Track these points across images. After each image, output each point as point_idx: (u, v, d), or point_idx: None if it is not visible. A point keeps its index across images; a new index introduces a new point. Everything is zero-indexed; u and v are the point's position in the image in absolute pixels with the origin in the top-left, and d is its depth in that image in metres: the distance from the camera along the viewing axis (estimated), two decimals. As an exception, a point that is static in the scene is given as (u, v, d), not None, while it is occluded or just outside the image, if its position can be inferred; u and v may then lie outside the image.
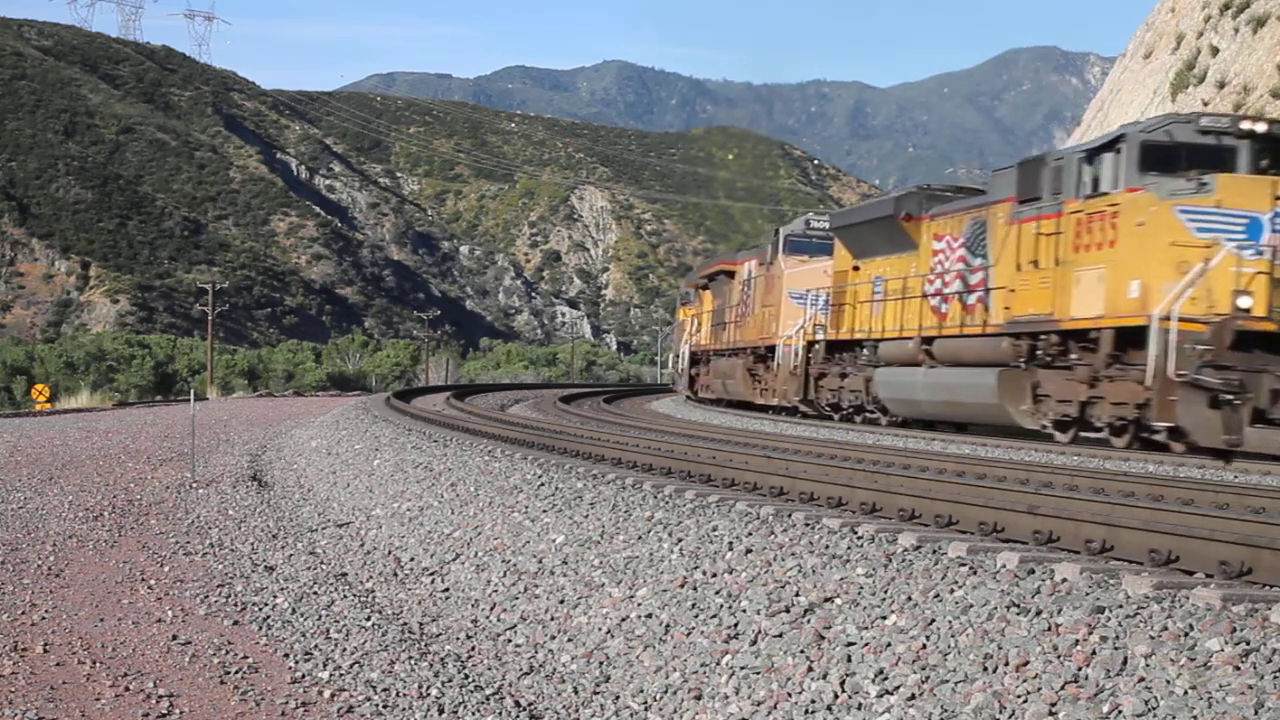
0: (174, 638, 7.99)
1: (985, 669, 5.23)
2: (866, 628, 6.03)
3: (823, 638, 6.13)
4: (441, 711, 6.49)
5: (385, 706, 6.55)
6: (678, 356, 43.57)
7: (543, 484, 11.59)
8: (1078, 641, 5.09)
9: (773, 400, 30.42)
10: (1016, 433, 20.90)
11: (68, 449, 22.21)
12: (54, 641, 7.77)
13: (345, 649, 7.79)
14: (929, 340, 22.29)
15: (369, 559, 11.40)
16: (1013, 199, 19.73)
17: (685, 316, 45.66)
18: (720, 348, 36.09)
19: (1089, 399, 17.85)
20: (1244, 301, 15.79)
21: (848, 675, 5.71)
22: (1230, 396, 15.30)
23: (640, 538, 8.75)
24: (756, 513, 8.66)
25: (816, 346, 27.65)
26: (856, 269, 25.70)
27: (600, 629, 7.64)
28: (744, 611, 6.81)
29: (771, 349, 30.39)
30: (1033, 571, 6.17)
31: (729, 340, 35.13)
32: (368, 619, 8.71)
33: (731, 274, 35.69)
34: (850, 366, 25.88)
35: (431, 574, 10.22)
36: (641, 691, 6.68)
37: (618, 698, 6.74)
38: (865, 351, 25.00)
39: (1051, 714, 4.76)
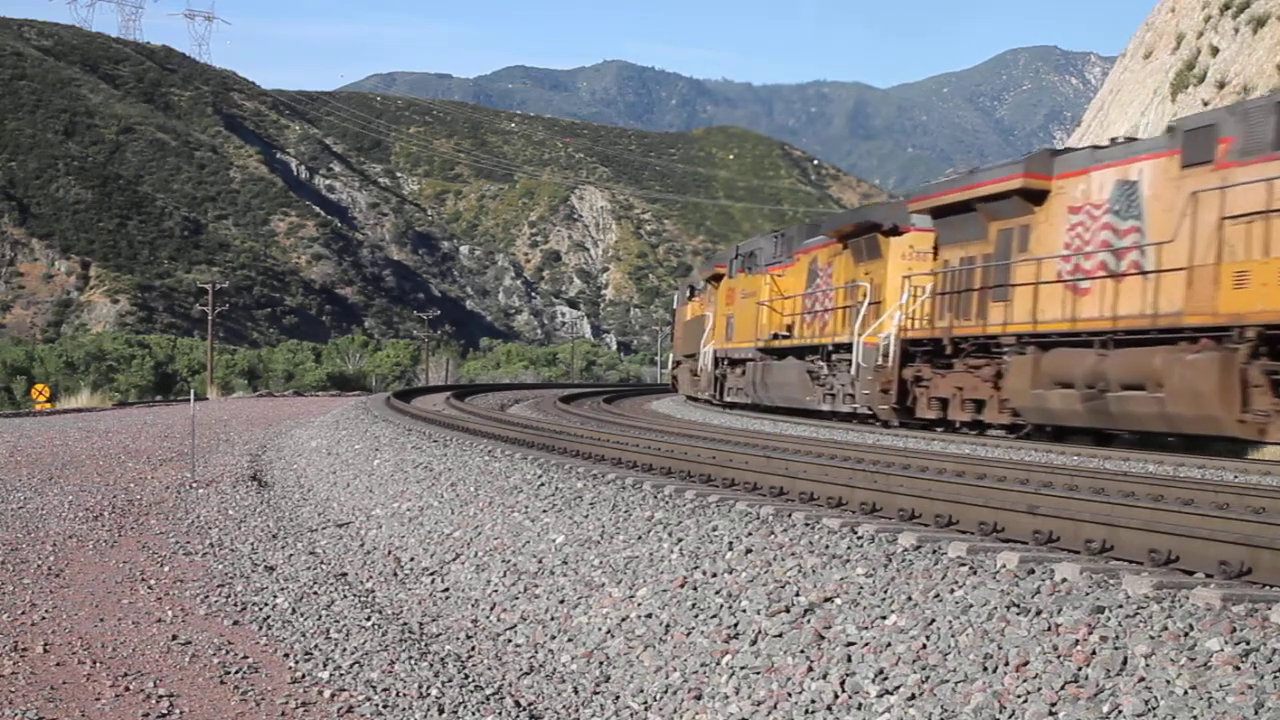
0: (174, 638, 7.98)
1: (985, 669, 5.23)
2: (866, 628, 6.03)
3: (823, 638, 6.13)
4: (441, 711, 6.49)
5: (385, 706, 6.54)
6: (751, 352, 31.52)
7: (543, 484, 11.59)
8: (1078, 641, 5.09)
9: None
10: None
11: (68, 449, 22.20)
12: (54, 641, 7.77)
13: (345, 649, 7.78)
14: None
15: (369, 559, 11.39)
16: None
17: (773, 294, 31.19)
18: (1072, 329, 19.45)
19: None
20: None
21: (848, 675, 5.71)
22: None
23: (640, 538, 8.74)
24: (756, 513, 8.66)
25: None
26: None
27: (600, 629, 7.63)
28: (744, 611, 6.81)
29: None
30: (1033, 571, 6.17)
31: (1101, 310, 18.85)
32: (368, 619, 8.70)
33: (1040, 195, 20.33)
34: None
35: (431, 574, 10.22)
36: (641, 691, 6.68)
37: (618, 698, 6.73)
38: None
39: (1051, 714, 4.76)
